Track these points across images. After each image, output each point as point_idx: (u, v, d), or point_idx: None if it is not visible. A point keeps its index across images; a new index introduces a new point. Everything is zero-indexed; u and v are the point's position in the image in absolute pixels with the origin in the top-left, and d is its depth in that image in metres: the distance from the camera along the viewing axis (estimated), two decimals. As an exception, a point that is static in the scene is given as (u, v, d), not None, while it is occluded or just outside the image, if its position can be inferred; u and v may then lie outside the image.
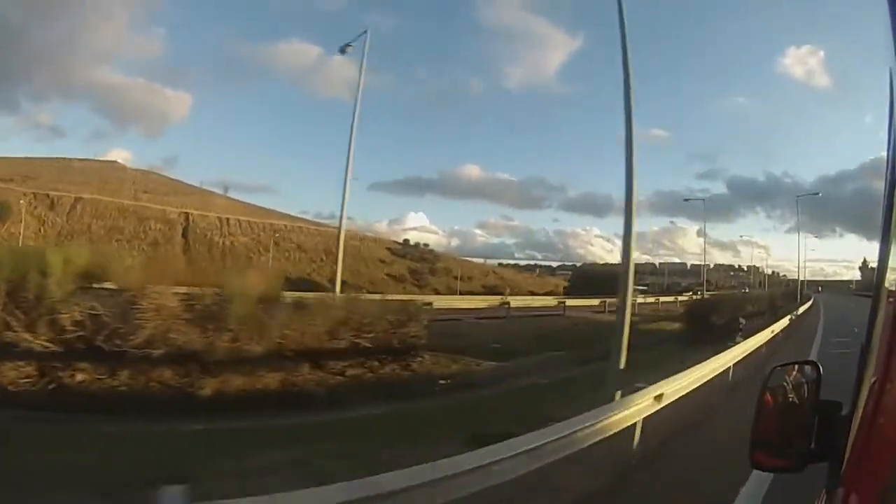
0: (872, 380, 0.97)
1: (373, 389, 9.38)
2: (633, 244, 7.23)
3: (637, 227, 7.20)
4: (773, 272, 76.77)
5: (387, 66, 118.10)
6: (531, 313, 24.78)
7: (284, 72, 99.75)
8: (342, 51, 16.63)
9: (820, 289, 65.79)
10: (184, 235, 51.99)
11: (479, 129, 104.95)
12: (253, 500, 2.58)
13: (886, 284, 1.02)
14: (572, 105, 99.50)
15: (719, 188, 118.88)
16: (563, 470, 4.23)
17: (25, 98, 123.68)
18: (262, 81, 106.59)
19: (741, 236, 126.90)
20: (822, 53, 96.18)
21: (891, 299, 0.98)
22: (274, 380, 8.65)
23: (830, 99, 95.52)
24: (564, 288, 52.38)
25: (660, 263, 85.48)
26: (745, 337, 12.38)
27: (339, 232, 16.89)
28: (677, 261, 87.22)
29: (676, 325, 20.68)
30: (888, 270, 1.03)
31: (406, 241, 67.86)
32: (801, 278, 39.05)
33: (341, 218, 16.93)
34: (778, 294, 36.94)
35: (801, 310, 27.08)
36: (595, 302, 28.39)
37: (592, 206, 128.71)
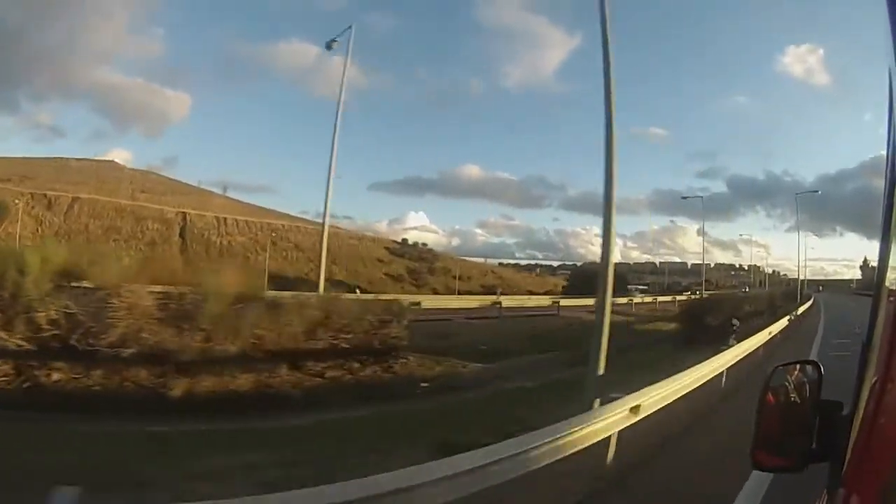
0: (873, 379, 0.97)
1: (352, 392, 9.17)
2: (612, 242, 7.01)
3: (616, 225, 6.99)
4: (774, 271, 76.44)
5: (387, 66, 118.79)
6: (525, 313, 24.52)
7: (284, 72, 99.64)
8: (328, 46, 16.48)
9: (820, 288, 65.35)
10: (181, 235, 51.84)
11: (478, 129, 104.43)
12: (255, 499, 2.66)
13: (887, 283, 1.03)
14: (572, 104, 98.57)
15: (719, 187, 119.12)
16: (521, 492, 3.71)
17: (25, 98, 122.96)
18: (261, 81, 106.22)
19: (741, 235, 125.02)
20: (821, 52, 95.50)
21: (891, 298, 0.99)
22: (247, 381, 8.42)
23: (830, 98, 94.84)
24: (563, 287, 51.99)
25: (660, 263, 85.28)
26: (740, 340, 11.88)
27: (323, 229, 16.86)
28: (678, 260, 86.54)
29: (672, 326, 20.46)
30: (888, 269, 1.03)
31: (405, 240, 67.54)
32: (802, 277, 38.60)
33: (324, 215, 17.16)
34: (777, 293, 36.50)
35: (801, 309, 26.69)
36: (591, 301, 28.05)
37: (593, 205, 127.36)
